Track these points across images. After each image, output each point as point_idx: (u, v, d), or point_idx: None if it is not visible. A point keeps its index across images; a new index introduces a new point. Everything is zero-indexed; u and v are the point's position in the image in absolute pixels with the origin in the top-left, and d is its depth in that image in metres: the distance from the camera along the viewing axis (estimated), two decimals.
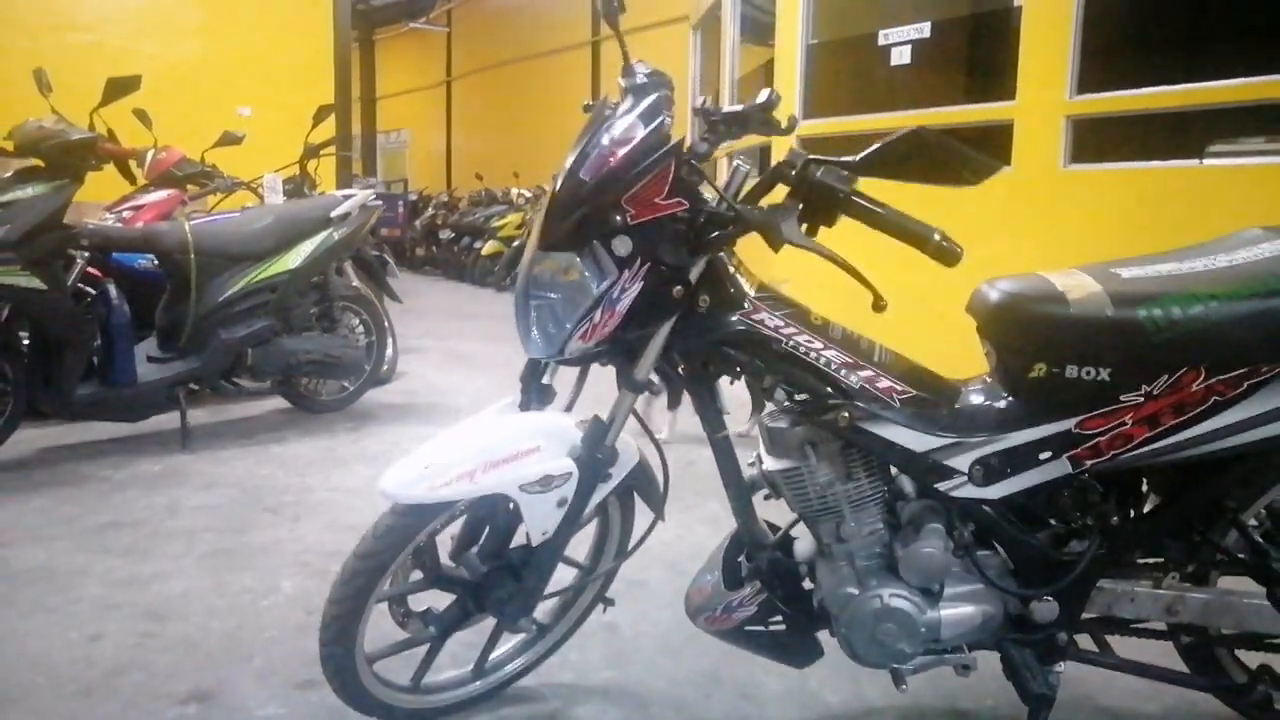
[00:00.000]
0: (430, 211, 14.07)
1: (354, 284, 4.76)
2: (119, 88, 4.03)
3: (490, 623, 1.80)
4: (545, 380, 1.72)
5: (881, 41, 5.10)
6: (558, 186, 1.50)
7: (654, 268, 1.49)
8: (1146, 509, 1.66)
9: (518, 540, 1.71)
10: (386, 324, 4.92)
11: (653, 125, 1.45)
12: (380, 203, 4.53)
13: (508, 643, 1.94)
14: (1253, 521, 1.69)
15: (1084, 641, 1.71)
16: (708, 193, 1.53)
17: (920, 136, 1.36)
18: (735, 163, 1.54)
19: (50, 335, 3.45)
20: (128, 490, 3.26)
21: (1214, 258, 1.56)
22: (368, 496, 3.22)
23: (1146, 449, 1.52)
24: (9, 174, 3.44)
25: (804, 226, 1.48)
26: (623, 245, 1.47)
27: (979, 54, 4.92)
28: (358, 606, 1.60)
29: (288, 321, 4.11)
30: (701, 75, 7.87)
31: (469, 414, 1.71)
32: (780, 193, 1.51)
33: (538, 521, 1.63)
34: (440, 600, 1.76)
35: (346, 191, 4.41)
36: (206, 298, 3.82)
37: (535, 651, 1.95)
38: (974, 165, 1.37)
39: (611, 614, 2.15)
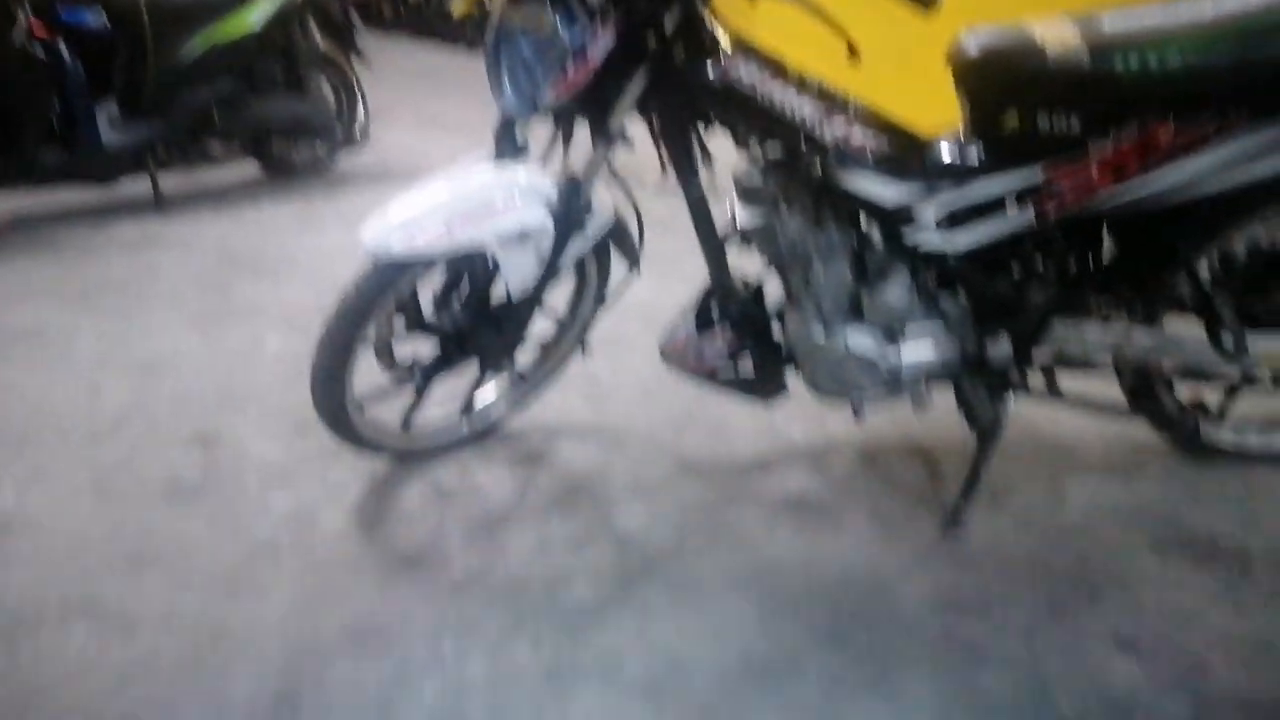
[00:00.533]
0: None
1: (320, 45, 4.56)
2: None
3: (475, 369, 1.89)
4: (519, 136, 1.72)
5: None
6: None
7: (627, 16, 1.47)
8: (1104, 256, 1.72)
9: (497, 292, 1.77)
10: (356, 85, 4.77)
11: None
12: None
13: (492, 389, 2.04)
14: (1206, 266, 1.77)
15: (1037, 380, 1.83)
16: None
17: None
18: None
19: (2, 100, 3.34)
20: (107, 253, 3.27)
21: (1203, 5, 1.54)
22: (348, 257, 3.23)
23: (1110, 198, 1.57)
24: None
25: None
26: None
27: None
28: (344, 354, 1.67)
29: (253, 83, 3.97)
30: None
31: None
32: None
33: (515, 274, 1.68)
34: (425, 349, 1.84)
35: None
36: (164, 57, 3.66)
37: (518, 396, 2.05)
38: None
39: (591, 365, 2.26)
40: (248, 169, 4.31)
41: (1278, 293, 1.76)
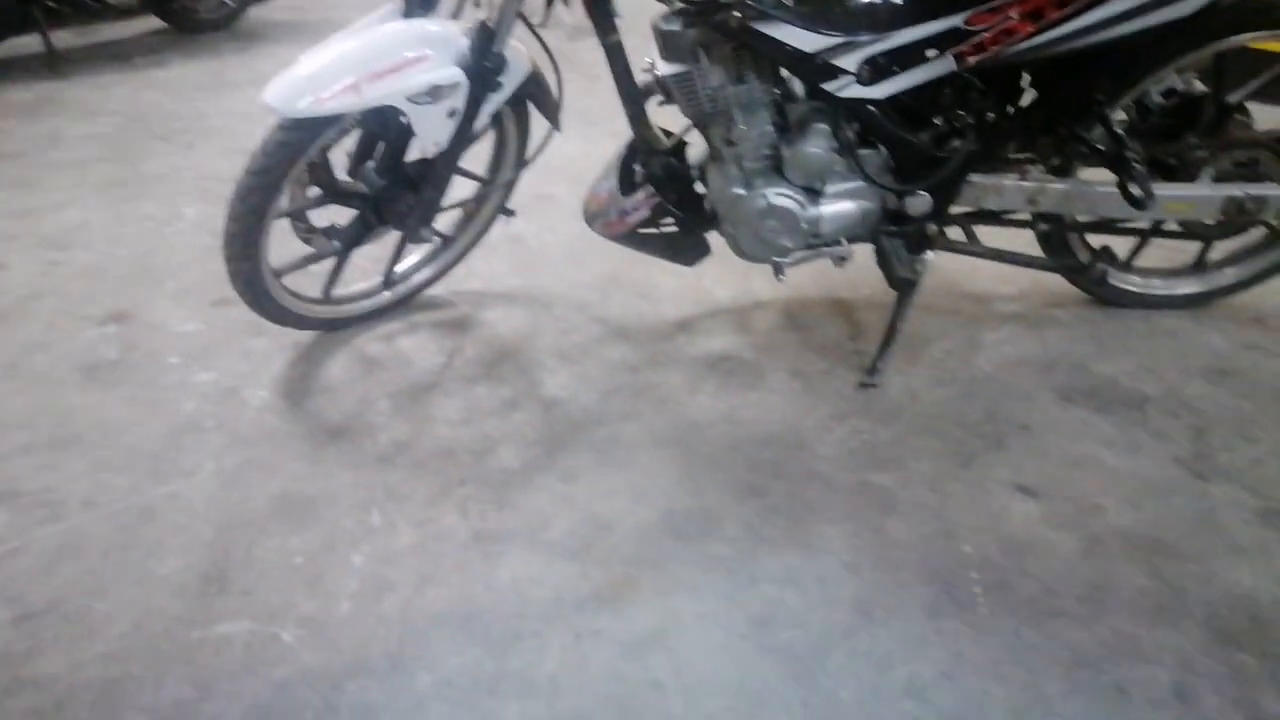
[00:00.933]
0: None
1: None
2: None
3: (396, 235, 1.85)
4: None
5: None
6: None
7: None
8: (1022, 105, 1.71)
9: (413, 153, 1.71)
10: None
11: None
12: None
13: (415, 255, 2.01)
14: (1120, 116, 1.78)
15: (954, 235, 1.85)
16: None
17: None
18: None
19: None
20: (2, 120, 3.09)
21: None
22: (262, 120, 3.11)
23: (1029, 43, 1.54)
24: None
25: None
26: None
27: None
28: (256, 222, 1.62)
29: None
30: None
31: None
32: None
33: (429, 133, 1.63)
34: (343, 216, 1.80)
35: None
36: None
37: (441, 262, 2.03)
38: None
39: (517, 227, 2.23)
40: (149, 23, 4.06)
41: (1188, 140, 1.77)
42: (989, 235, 1.88)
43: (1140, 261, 2.00)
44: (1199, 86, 1.78)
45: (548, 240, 2.31)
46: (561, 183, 2.58)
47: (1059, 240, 1.91)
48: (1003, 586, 1.32)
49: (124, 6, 3.80)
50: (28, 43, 3.58)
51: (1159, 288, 1.99)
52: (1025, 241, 1.90)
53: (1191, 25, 1.56)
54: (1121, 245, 1.96)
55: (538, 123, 1.86)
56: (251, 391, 1.76)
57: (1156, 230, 1.90)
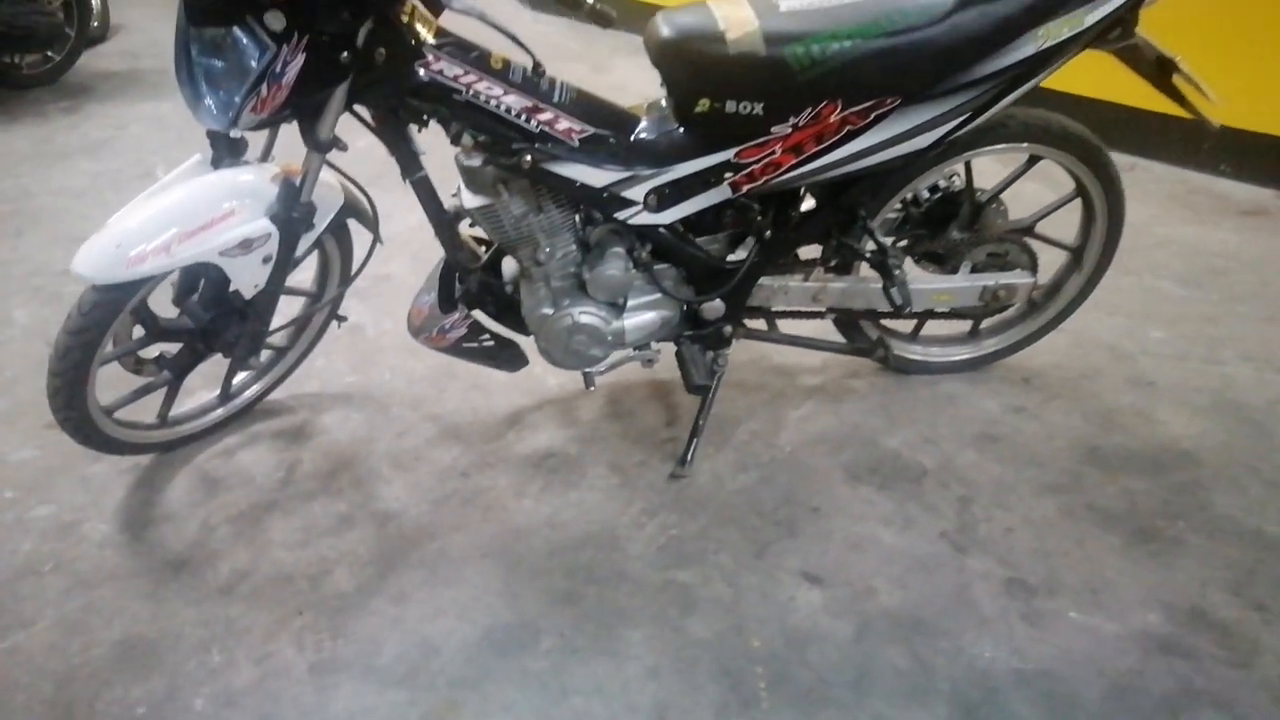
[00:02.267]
0: None
1: None
2: None
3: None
4: (234, 133, 1.70)
5: None
6: None
7: (315, 37, 1.47)
8: (801, 216, 1.90)
9: (234, 289, 1.78)
10: None
11: None
12: None
13: (247, 370, 2.08)
14: (892, 213, 1.99)
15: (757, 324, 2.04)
16: None
17: None
18: None
19: None
20: None
21: None
22: (95, 199, 3.10)
23: (792, 174, 1.73)
24: None
25: None
26: (276, 20, 1.42)
27: None
28: (79, 376, 1.68)
29: None
30: None
31: None
32: None
33: (246, 279, 1.71)
34: (172, 346, 1.86)
35: None
36: None
37: (277, 372, 2.11)
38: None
39: (356, 313, 2.32)
40: None
41: (952, 231, 2.00)
42: (789, 320, 2.07)
43: (923, 332, 2.23)
44: (958, 184, 2.00)
45: (385, 328, 2.41)
46: (401, 258, 2.67)
47: (849, 324, 2.12)
48: (784, 679, 1.51)
49: None
50: None
51: (937, 355, 2.23)
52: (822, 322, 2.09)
53: (935, 148, 1.77)
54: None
55: (360, 234, 1.95)
56: (91, 525, 1.82)
57: (929, 313, 2.11)
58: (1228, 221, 3.06)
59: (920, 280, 2.01)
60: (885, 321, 2.17)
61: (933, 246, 2.02)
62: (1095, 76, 3.32)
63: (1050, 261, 2.16)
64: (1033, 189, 2.17)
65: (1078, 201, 2.08)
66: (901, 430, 2.07)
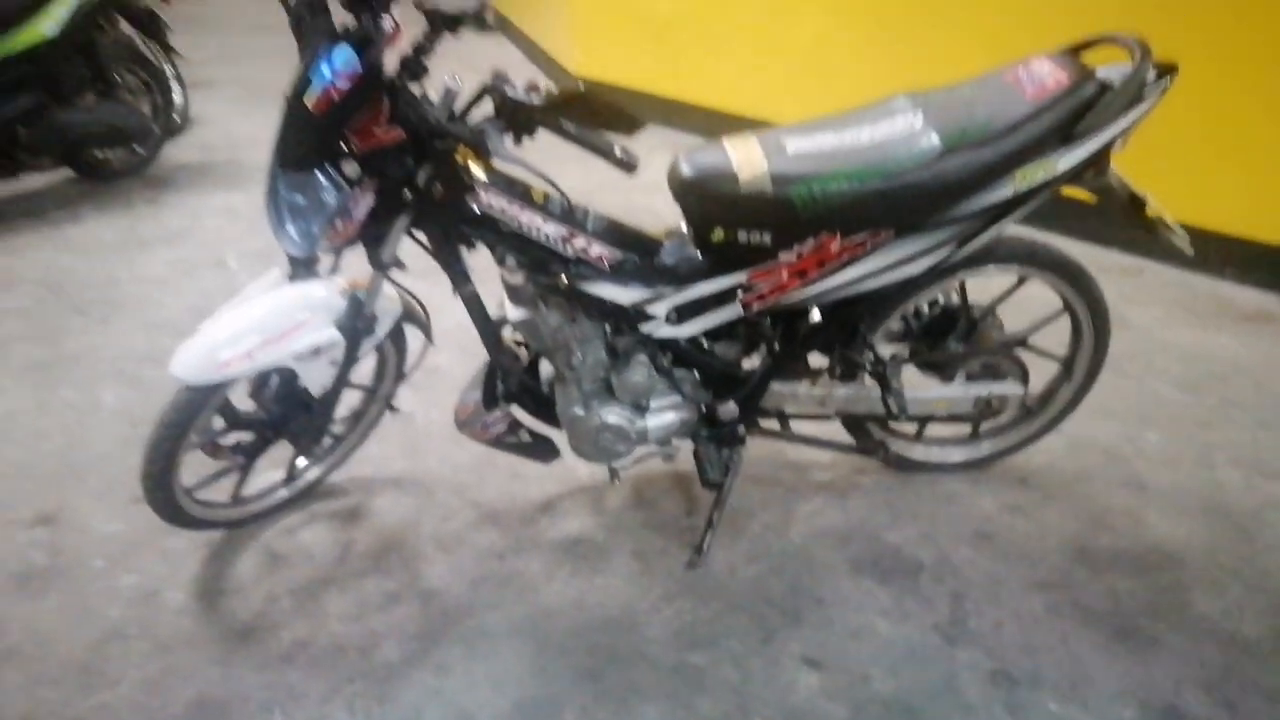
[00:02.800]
0: None
1: (127, 37, 4.51)
2: None
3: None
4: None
5: None
6: (287, 109, 1.67)
7: (383, 180, 1.72)
8: (808, 330, 2.10)
9: (302, 386, 2.02)
10: (171, 74, 4.75)
11: (368, 58, 1.61)
12: None
13: (310, 456, 2.31)
14: (893, 327, 2.19)
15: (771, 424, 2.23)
16: (426, 106, 1.72)
17: (589, 95, 1.58)
18: (446, 82, 1.72)
19: None
20: None
21: (861, 129, 1.89)
22: (174, 287, 3.39)
23: (798, 295, 1.94)
24: None
25: (509, 139, 1.71)
26: (351, 168, 1.68)
27: None
28: (168, 463, 1.92)
29: (58, 92, 3.95)
30: None
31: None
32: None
33: (314, 380, 1.95)
34: (247, 436, 2.10)
35: None
36: None
37: (335, 458, 2.34)
38: (626, 121, 1.61)
39: (407, 403, 2.55)
40: (63, 171, 4.29)
41: (950, 342, 2.19)
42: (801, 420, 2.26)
43: (927, 433, 2.41)
44: (955, 299, 2.20)
45: (433, 418, 2.64)
46: (449, 351, 2.90)
47: (855, 425, 2.31)
48: None
49: (38, 165, 4.04)
50: None
51: (937, 456, 2.40)
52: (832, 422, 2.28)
53: (930, 275, 1.98)
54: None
55: (414, 334, 2.19)
56: (170, 594, 2.04)
57: (931, 417, 2.30)
58: (1230, 326, 3.22)
59: (919, 388, 2.20)
60: (891, 424, 2.36)
61: (932, 356, 2.21)
62: None
63: (1046, 369, 2.34)
64: (1041, 294, 2.35)
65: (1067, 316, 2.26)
66: (903, 526, 2.24)
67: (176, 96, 4.86)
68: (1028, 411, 2.38)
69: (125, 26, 4.59)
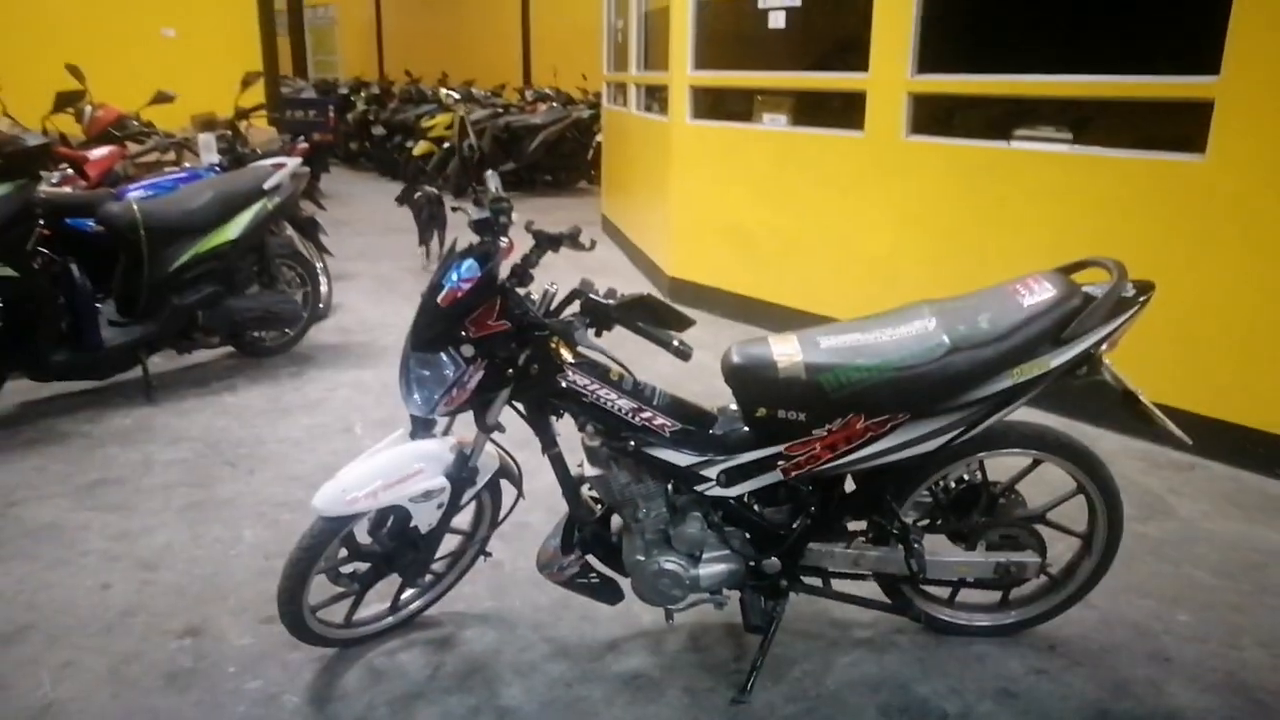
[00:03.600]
0: (361, 107, 14.22)
1: (289, 238, 5.32)
2: (66, 99, 4.48)
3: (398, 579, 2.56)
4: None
5: (760, 4, 5.61)
6: (423, 304, 2.17)
7: (491, 360, 2.19)
8: (841, 496, 2.44)
9: (413, 526, 2.44)
10: (320, 268, 5.54)
11: (486, 269, 2.12)
12: (307, 169, 5.06)
13: (414, 588, 2.70)
14: (923, 498, 2.50)
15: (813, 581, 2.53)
16: (528, 305, 2.21)
17: (650, 299, 2.05)
18: (545, 288, 2.22)
19: (23, 312, 4.03)
20: (107, 446, 3.92)
21: (883, 330, 2.29)
22: (309, 447, 3.93)
23: (829, 465, 2.29)
24: None
25: (591, 331, 2.17)
26: (468, 350, 2.16)
27: (841, 25, 5.46)
28: (301, 581, 2.34)
29: (232, 283, 4.69)
30: (617, 2, 8.23)
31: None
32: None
33: (424, 519, 2.37)
34: (362, 565, 2.51)
35: (276, 161, 4.92)
36: (158, 268, 4.38)
37: (434, 593, 2.72)
38: (679, 319, 2.06)
39: (497, 551, 2.93)
40: (225, 349, 4.99)
41: (974, 515, 2.48)
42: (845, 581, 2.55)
43: (960, 598, 2.65)
44: (977, 477, 2.51)
45: (520, 566, 3.01)
46: (539, 511, 3.29)
47: (891, 587, 2.58)
48: None
49: (208, 343, 4.75)
50: (130, 372, 4.48)
51: (964, 619, 2.63)
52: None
53: (945, 453, 2.31)
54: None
55: (509, 490, 2.61)
56: (287, 697, 2.41)
57: (962, 582, 2.56)
58: (1274, 521, 3.37)
59: (944, 553, 2.47)
60: (926, 587, 2.62)
61: (958, 527, 2.50)
62: (1155, 385, 3.83)
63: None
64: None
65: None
66: (933, 680, 2.46)
67: (323, 288, 5.63)
68: (1053, 583, 2.61)
69: (288, 228, 5.45)
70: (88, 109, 5.66)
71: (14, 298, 3.98)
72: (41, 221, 4.18)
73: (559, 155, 12.02)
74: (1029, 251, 4.28)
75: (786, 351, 2.28)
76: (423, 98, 13.02)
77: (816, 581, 2.56)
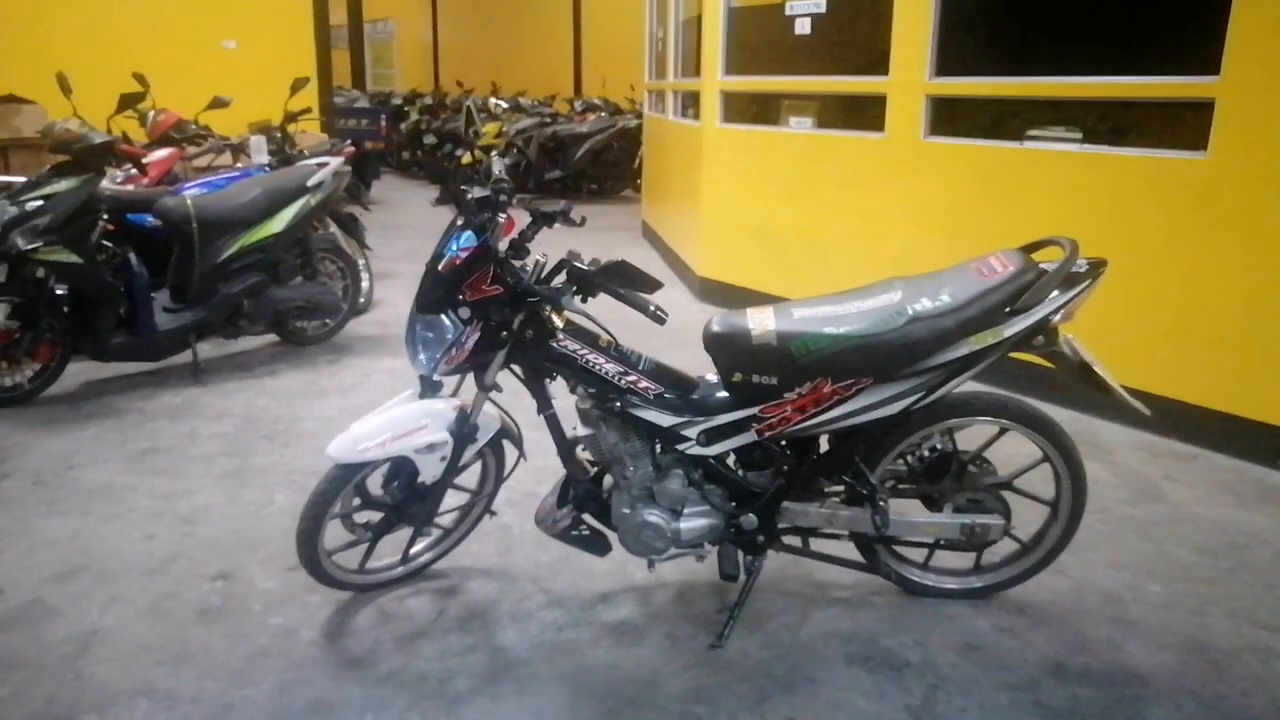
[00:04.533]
0: (415, 117, 14.67)
1: (332, 234, 5.63)
2: (129, 100, 4.84)
3: (408, 531, 2.79)
4: (435, 378, 2.64)
5: (788, 11, 5.80)
6: (427, 270, 2.40)
7: (487, 322, 2.41)
8: (814, 457, 2.61)
9: (421, 479, 2.66)
10: (362, 264, 5.83)
11: (481, 239, 2.34)
12: (349, 168, 5.36)
13: (424, 540, 2.93)
14: (897, 466, 2.66)
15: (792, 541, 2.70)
16: (521, 273, 2.43)
17: (624, 264, 2.25)
18: (535, 257, 2.44)
19: (85, 297, 4.37)
20: (157, 420, 4.23)
21: (854, 302, 2.47)
22: (340, 425, 4.16)
23: (799, 426, 2.47)
24: (46, 169, 4.30)
25: (579, 297, 2.38)
26: (465, 313, 2.39)
27: (863, 31, 5.63)
28: (317, 525, 2.58)
29: (276, 274, 5.00)
30: (657, 12, 8.47)
31: None
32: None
33: (428, 470, 2.59)
34: (374, 515, 2.74)
35: (320, 160, 5.23)
36: (208, 258, 4.71)
37: (443, 547, 2.94)
38: (652, 282, 2.27)
39: (506, 517, 3.15)
40: (268, 336, 5.30)
41: (946, 480, 2.63)
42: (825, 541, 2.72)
43: (934, 562, 2.80)
44: (948, 445, 2.66)
45: (526, 530, 3.21)
46: (550, 481, 3.50)
47: (866, 547, 2.74)
48: None
49: (253, 330, 5.06)
50: (179, 355, 4.80)
51: (933, 581, 2.78)
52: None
53: (912, 419, 2.47)
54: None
55: (511, 451, 2.82)
56: (304, 631, 2.64)
57: (936, 544, 2.71)
58: (1266, 508, 3.45)
59: (914, 514, 2.63)
60: (901, 550, 2.78)
61: (929, 490, 2.66)
62: (1161, 378, 3.93)
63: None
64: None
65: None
66: (901, 634, 2.62)
67: (365, 283, 5.92)
68: (1023, 549, 2.75)
69: (333, 226, 5.76)
70: (150, 113, 6.05)
71: (78, 284, 4.32)
72: (105, 216, 4.53)
73: (605, 164, 12.29)
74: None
75: (761, 321, 2.47)
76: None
77: (796, 542, 2.73)
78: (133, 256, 4.52)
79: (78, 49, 7.04)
